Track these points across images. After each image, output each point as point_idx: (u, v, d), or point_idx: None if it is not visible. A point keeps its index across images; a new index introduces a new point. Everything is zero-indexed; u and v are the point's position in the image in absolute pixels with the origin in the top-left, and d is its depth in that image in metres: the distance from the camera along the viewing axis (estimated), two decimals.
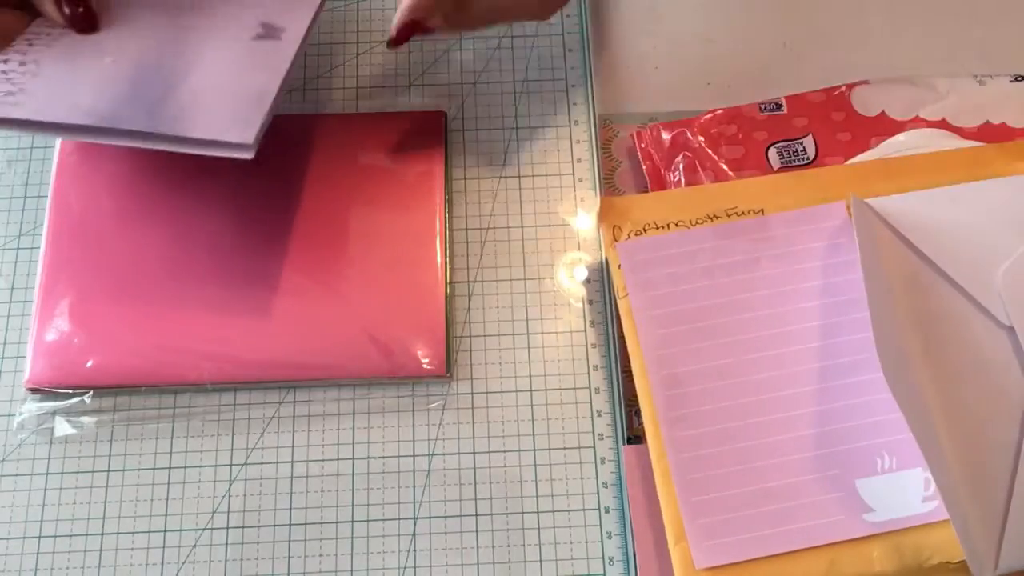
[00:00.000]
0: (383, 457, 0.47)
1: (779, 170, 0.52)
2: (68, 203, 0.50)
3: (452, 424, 0.47)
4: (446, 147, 0.53)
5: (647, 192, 0.52)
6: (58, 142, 0.51)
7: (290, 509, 0.46)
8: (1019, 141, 0.51)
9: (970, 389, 0.43)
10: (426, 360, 0.47)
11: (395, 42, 0.47)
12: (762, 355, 0.45)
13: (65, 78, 0.44)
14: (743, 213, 0.49)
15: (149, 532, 0.45)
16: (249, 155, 0.42)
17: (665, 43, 0.58)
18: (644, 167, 0.53)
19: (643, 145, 0.53)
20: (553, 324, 0.50)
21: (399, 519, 0.46)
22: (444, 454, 0.47)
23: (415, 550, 0.45)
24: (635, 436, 0.47)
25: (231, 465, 0.47)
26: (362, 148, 0.52)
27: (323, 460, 0.47)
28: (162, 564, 0.45)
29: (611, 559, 0.45)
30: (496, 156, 0.54)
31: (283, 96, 0.45)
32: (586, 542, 0.45)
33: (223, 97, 0.44)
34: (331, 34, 0.56)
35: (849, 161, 0.52)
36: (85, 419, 0.47)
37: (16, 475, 0.46)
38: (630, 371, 0.46)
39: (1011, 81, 0.54)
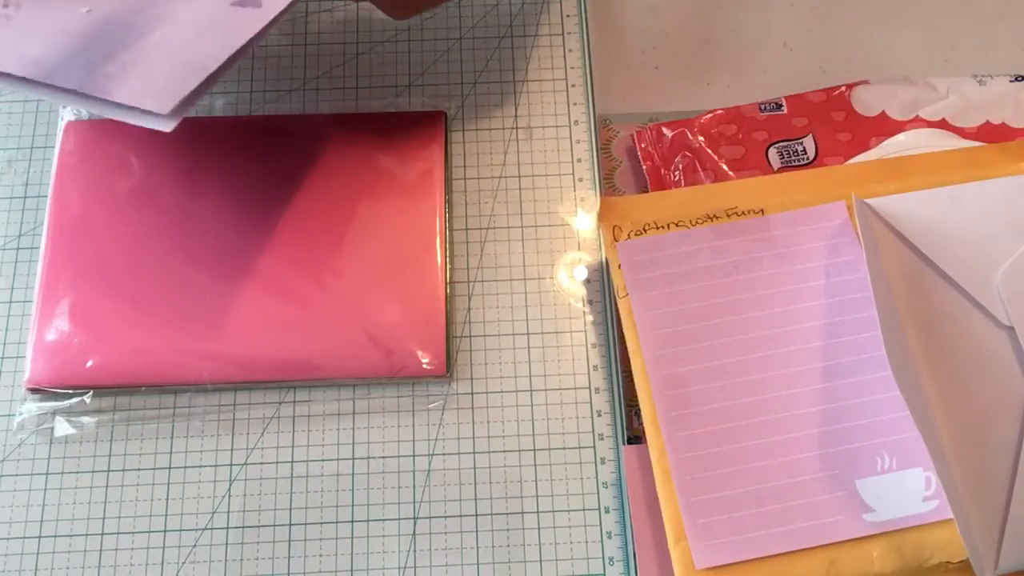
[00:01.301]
0: (383, 457, 0.47)
1: (779, 170, 0.52)
2: (68, 203, 0.50)
3: (452, 424, 0.47)
4: (446, 147, 0.53)
5: (647, 192, 0.52)
6: (58, 142, 0.51)
7: (290, 509, 0.46)
8: (1019, 141, 0.51)
9: (970, 389, 0.43)
10: (426, 360, 0.47)
11: None
12: (762, 355, 0.45)
13: (35, 25, 0.42)
14: (743, 213, 0.49)
15: (149, 532, 0.45)
16: (167, 127, 0.39)
17: (665, 43, 0.58)
18: (644, 167, 0.53)
19: (643, 145, 0.53)
20: (553, 324, 0.50)
21: (399, 519, 0.46)
22: (444, 454, 0.47)
23: (415, 550, 0.45)
24: (635, 436, 0.47)
25: (231, 465, 0.47)
26: (362, 148, 0.52)
27: (323, 460, 0.47)
28: (162, 564, 0.45)
29: (611, 559, 0.45)
30: (496, 156, 0.53)
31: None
32: (586, 542, 0.45)
33: (165, 63, 0.40)
34: (331, 34, 0.56)
35: (849, 161, 0.52)
36: (85, 419, 0.47)
37: (16, 475, 0.46)
38: (630, 371, 0.46)
39: (1011, 81, 0.54)
